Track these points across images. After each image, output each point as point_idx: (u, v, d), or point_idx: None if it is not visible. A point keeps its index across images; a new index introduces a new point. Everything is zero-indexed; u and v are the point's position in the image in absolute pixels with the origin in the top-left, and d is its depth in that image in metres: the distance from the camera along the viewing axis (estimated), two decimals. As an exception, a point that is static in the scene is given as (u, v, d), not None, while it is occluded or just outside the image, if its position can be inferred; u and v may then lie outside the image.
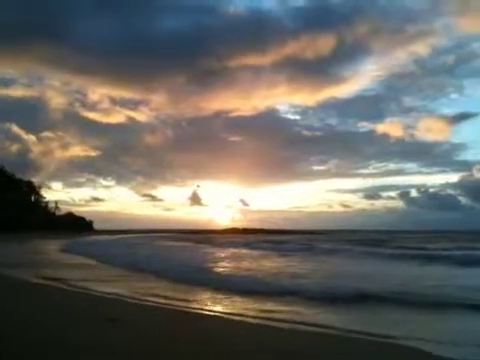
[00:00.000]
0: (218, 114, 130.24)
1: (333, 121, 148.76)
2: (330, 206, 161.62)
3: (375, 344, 5.96)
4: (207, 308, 8.64)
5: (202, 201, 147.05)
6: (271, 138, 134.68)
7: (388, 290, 9.75)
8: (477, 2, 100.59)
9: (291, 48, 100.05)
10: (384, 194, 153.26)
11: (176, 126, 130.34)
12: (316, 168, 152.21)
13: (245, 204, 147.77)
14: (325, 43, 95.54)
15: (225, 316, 7.81)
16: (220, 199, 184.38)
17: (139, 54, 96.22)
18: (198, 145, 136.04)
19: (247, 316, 7.76)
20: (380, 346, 5.85)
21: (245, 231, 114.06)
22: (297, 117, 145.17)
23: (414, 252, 25.02)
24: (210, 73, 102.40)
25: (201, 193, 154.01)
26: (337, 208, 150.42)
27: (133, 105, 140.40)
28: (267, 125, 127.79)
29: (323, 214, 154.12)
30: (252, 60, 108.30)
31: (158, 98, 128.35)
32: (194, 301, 9.48)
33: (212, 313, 8.15)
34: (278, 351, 5.27)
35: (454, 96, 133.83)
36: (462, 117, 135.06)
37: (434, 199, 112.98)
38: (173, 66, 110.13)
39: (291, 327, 6.94)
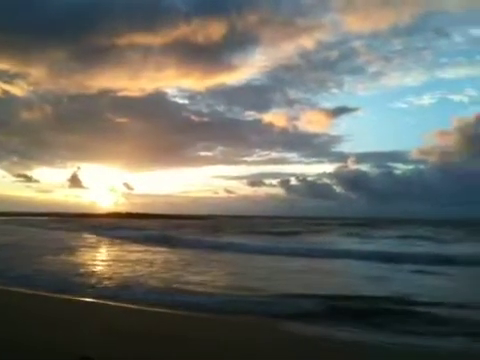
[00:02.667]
0: (104, 93, 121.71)
1: (221, 108, 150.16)
2: (215, 192, 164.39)
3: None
4: None
5: (83, 184, 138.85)
6: (158, 121, 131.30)
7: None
8: (362, 0, 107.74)
9: (182, 31, 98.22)
10: (267, 181, 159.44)
11: (57, 103, 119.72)
12: (203, 154, 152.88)
13: (129, 188, 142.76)
14: (216, 29, 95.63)
15: None
16: (103, 182, 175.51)
17: (18, 25, 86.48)
18: (80, 124, 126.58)
19: None
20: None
21: (129, 216, 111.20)
22: (186, 101, 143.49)
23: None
24: (97, 50, 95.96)
25: (82, 175, 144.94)
26: (222, 194, 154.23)
27: (8, 78, 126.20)
28: (155, 108, 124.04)
29: (208, 199, 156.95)
30: (142, 39, 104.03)
31: (37, 72, 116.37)
32: None
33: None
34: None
35: (334, 91, 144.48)
36: (340, 111, 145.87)
37: (311, 187, 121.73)
38: (56, 40, 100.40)
39: None
